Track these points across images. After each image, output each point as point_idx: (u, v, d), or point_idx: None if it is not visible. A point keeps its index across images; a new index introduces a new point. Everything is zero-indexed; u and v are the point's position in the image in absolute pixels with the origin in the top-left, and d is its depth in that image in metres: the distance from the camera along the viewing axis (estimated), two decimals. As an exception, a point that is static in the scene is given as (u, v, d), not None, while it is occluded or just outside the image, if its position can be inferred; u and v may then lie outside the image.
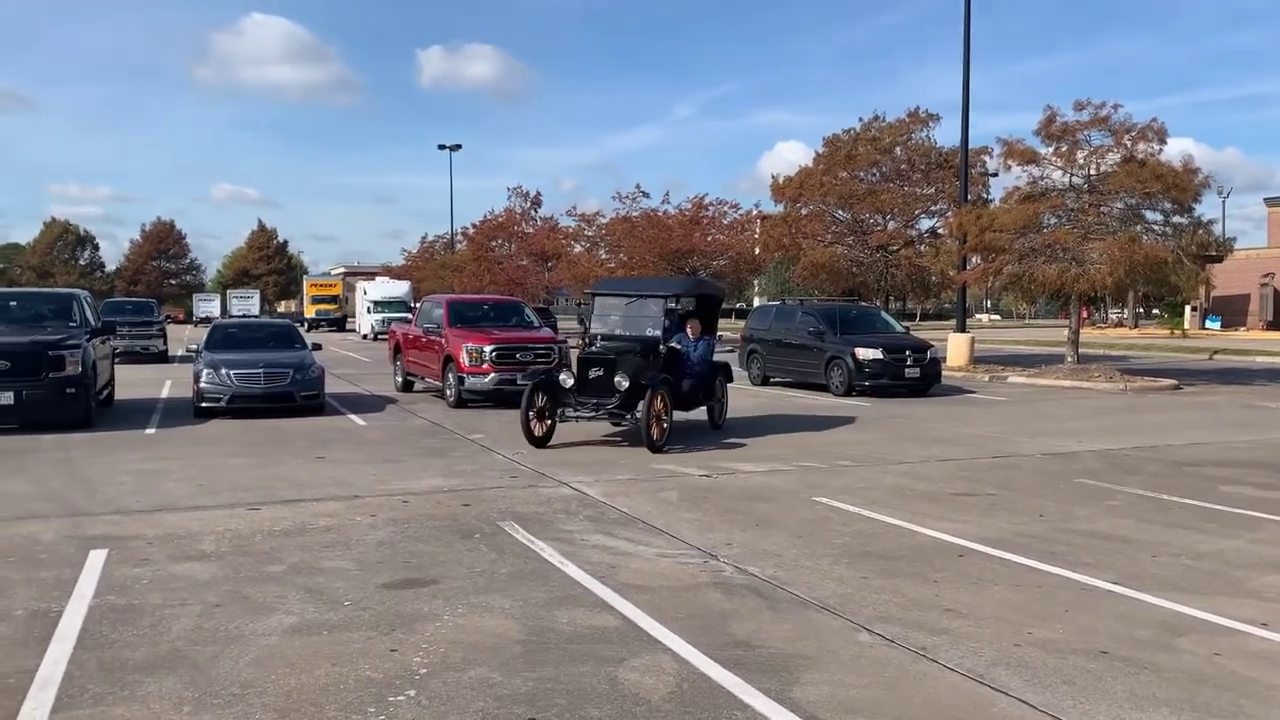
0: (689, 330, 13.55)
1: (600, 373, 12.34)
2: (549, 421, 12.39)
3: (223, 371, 15.68)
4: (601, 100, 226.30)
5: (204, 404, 15.51)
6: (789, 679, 4.79)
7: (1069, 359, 23.79)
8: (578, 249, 47.70)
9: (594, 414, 12.33)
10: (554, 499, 9.17)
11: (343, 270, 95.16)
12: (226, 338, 17.86)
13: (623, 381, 12.05)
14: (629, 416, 12.17)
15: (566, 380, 12.32)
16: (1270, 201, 53.45)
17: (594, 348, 12.98)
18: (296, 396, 15.86)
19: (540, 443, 12.23)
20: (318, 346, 18.04)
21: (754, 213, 40.09)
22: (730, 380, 14.75)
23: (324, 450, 12.18)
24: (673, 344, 13.16)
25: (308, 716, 4.33)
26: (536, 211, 52.73)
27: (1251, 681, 4.80)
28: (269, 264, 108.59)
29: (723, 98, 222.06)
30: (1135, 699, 4.57)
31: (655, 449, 11.73)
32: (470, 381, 16.70)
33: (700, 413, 14.19)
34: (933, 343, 21.22)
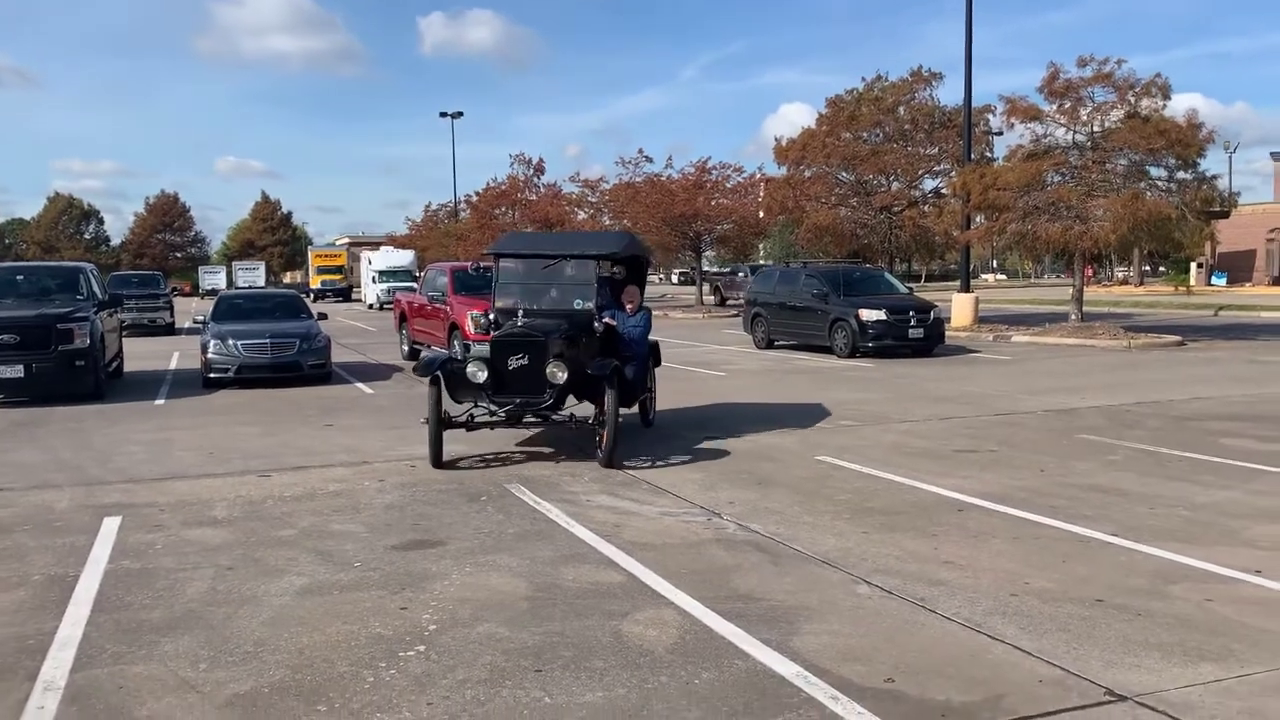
0: (626, 302, 10.67)
1: (524, 360, 8.91)
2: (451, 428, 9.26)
3: (230, 342, 15.80)
4: (605, 64, 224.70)
5: (212, 374, 15.64)
6: (789, 629, 4.91)
7: (1073, 317, 23.79)
8: (581, 216, 47.61)
9: (517, 416, 9.16)
10: (560, 462, 9.28)
11: (347, 240, 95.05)
12: (233, 309, 17.96)
13: (559, 373, 8.85)
14: (568, 419, 9.27)
15: (478, 373, 8.86)
16: (1277, 156, 53.08)
17: (514, 327, 9.27)
18: (304, 366, 15.99)
19: (435, 463, 9.05)
20: (323, 316, 18.13)
21: (758, 176, 39.95)
22: (659, 364, 11.67)
23: (332, 418, 12.30)
24: (606, 319, 10.15)
25: (320, 671, 4.45)
26: (540, 179, 52.62)
27: (1242, 625, 4.90)
28: (274, 235, 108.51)
29: (727, 59, 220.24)
30: (1127, 644, 4.68)
31: (612, 463, 8.88)
32: (476, 349, 16.72)
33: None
34: (936, 303, 21.25)
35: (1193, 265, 50.44)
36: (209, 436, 11.04)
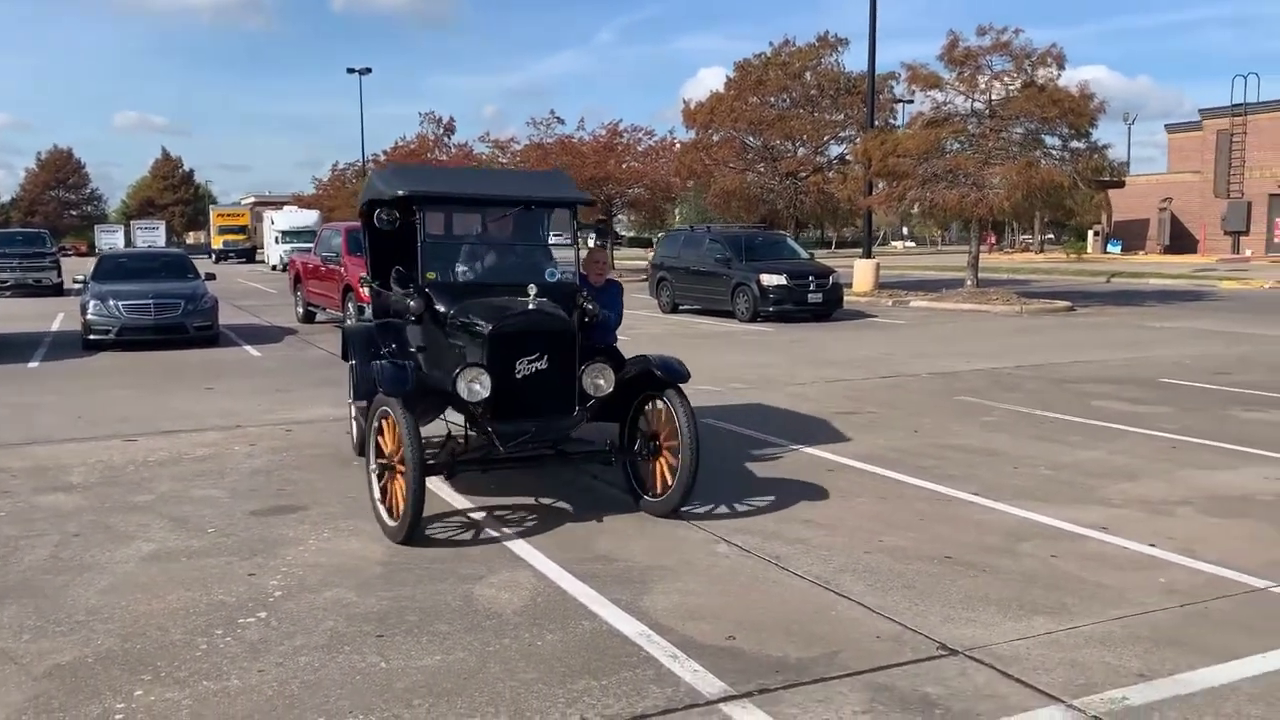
0: (591, 269, 7.28)
1: (543, 364, 5.87)
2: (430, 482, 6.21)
3: (110, 303, 15.24)
4: (522, 23, 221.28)
5: (92, 336, 15.09)
6: (641, 590, 4.91)
7: (969, 283, 24.32)
8: (491, 177, 46.90)
9: (540, 451, 6.24)
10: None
11: (253, 200, 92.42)
12: (116, 268, 17.33)
13: (601, 380, 5.99)
14: (607, 449, 6.37)
15: (479, 388, 5.65)
16: (1171, 128, 54.77)
17: (522, 310, 5.93)
18: (189, 328, 15.52)
19: (413, 534, 5.60)
20: (211, 276, 17.58)
21: (669, 139, 39.86)
22: None
23: (214, 381, 11.96)
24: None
25: (151, 640, 4.31)
26: (450, 138, 51.72)
27: (1080, 580, 5.05)
28: (175, 194, 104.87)
29: (645, 22, 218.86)
30: (969, 600, 4.79)
31: (677, 511, 6.08)
32: (370, 311, 16.43)
33: None
34: (835, 269, 21.51)
35: (1089, 233, 51.93)
36: (81, 400, 10.64)
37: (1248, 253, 43.53)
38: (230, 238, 64.07)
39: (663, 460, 6.12)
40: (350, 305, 16.87)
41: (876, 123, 26.29)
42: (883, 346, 15.44)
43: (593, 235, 7.72)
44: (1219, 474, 7.22)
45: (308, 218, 53.81)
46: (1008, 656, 4.13)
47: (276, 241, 49.68)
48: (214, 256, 60.40)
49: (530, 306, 5.90)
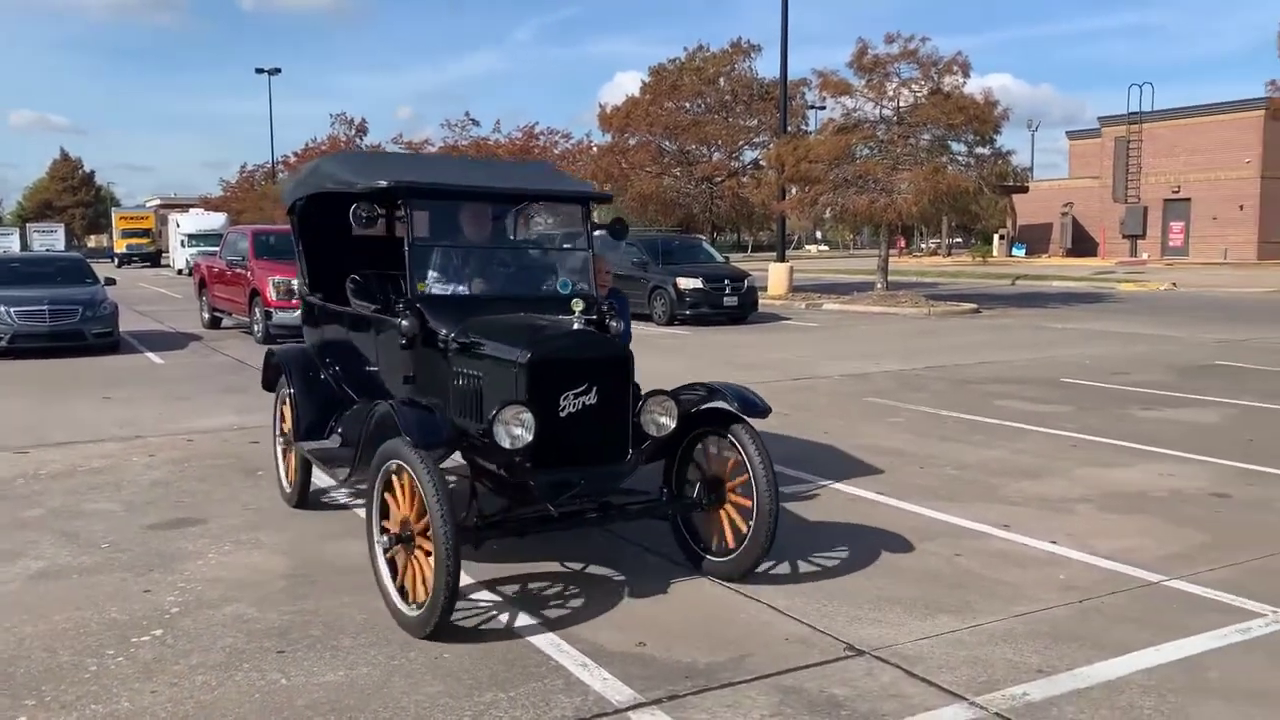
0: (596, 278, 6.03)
1: (592, 398, 4.75)
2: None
3: (2, 309, 14.62)
4: (438, 22, 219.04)
5: (-18, 344, 14.45)
6: (551, 599, 4.87)
7: (879, 286, 24.79)
8: (405, 179, 46.35)
9: (584, 506, 4.89)
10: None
11: (158, 202, 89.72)
12: (9, 273, 16.63)
13: (665, 418, 4.95)
14: (659, 500, 5.29)
15: (523, 431, 4.49)
16: (1072, 135, 56.60)
17: (548, 339, 4.84)
18: (87, 335, 14.98)
19: (443, 624, 4.34)
20: (111, 281, 17.00)
21: (586, 143, 39.85)
22: None
23: (113, 390, 11.56)
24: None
25: (38, 663, 4.13)
26: (362, 139, 50.92)
27: (983, 578, 5.15)
28: (75, 196, 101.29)
29: (562, 23, 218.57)
30: (876, 600, 4.85)
31: (750, 573, 5.03)
32: (279, 316, 16.10)
33: None
34: (751, 272, 21.74)
35: (995, 237, 53.36)
36: (-33, 411, 10.18)
37: (1145, 256, 45.21)
38: (134, 241, 62.01)
39: (728, 511, 5.02)
40: (257, 310, 16.49)
41: (789, 129, 26.67)
42: (796, 349, 15.63)
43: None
44: (1116, 471, 7.45)
45: (214, 221, 52.42)
46: (913, 656, 4.19)
47: (182, 245, 48.28)
48: (117, 261, 58.50)
49: (575, 326, 4.80)
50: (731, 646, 4.30)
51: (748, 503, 4.87)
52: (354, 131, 50.63)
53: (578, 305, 4.89)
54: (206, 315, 19.36)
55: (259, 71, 59.33)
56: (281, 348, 6.74)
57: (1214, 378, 12.10)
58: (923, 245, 64.22)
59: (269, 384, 6.85)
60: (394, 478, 4.47)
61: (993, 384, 11.77)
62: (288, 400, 6.40)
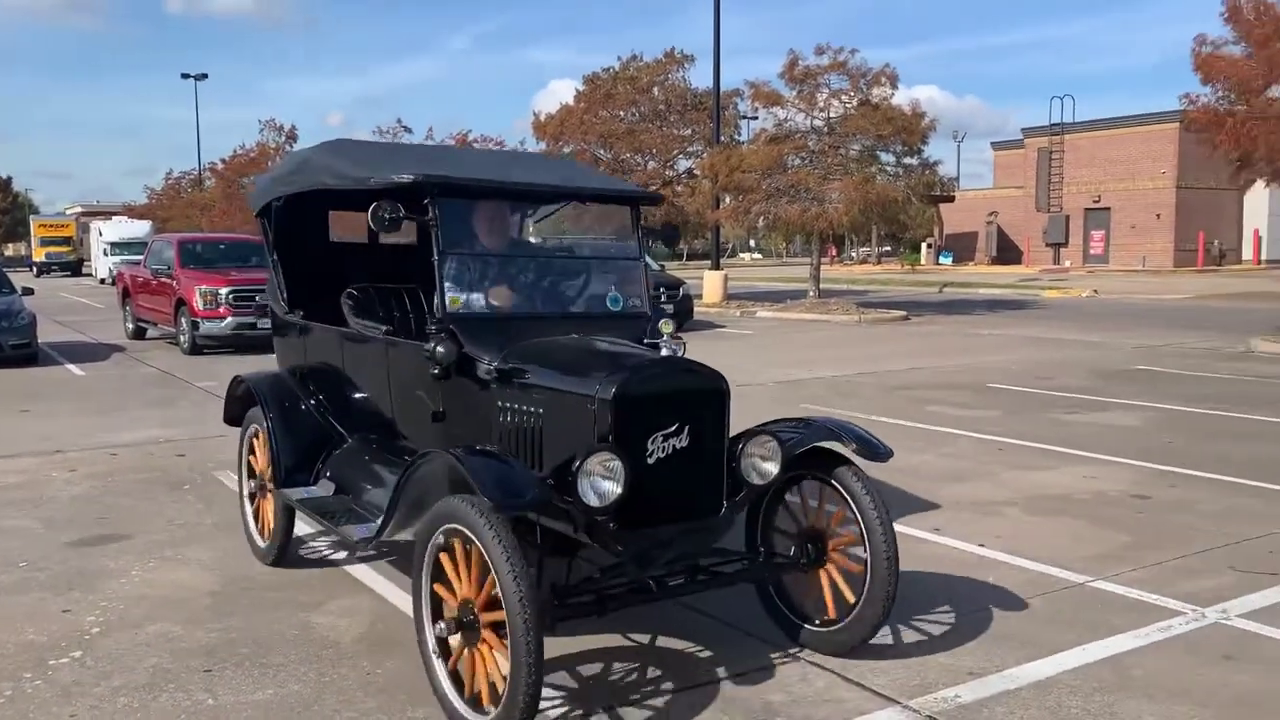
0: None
1: (683, 440, 3.83)
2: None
3: (-89, 321, 14.11)
4: (371, 28, 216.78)
5: (-110, 357, 13.92)
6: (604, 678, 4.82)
7: (811, 294, 25.07)
8: (337, 187, 45.77)
9: (675, 582, 4.06)
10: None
11: (80, 210, 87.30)
12: (-82, 283, 16.04)
13: (767, 463, 4.06)
14: (752, 562, 4.40)
15: (613, 485, 3.60)
16: (996, 146, 57.89)
17: (633, 369, 3.85)
18: (3, 346, 14.50)
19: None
20: (29, 291, 16.49)
21: (520, 151, 39.69)
22: None
23: (31, 403, 11.21)
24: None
25: (-50, 688, 3.98)
26: (292, 146, 50.17)
27: (915, 581, 5.20)
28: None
29: (498, 31, 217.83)
30: (810, 605, 4.88)
31: (864, 644, 4.29)
32: (205, 326, 15.79)
33: None
34: (685, 280, 21.85)
35: (923, 246, 54.33)
36: (-126, 427, 9.78)
37: (1067, 264, 46.36)
38: (54, 249, 60.24)
39: (830, 572, 4.22)
40: (183, 320, 16.12)
41: (722, 138, 26.88)
42: (730, 357, 15.71)
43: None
44: (1042, 474, 7.62)
45: (139, 229, 51.13)
46: (847, 660, 4.23)
47: (105, 254, 47.09)
48: (35, 270, 56.78)
49: (664, 353, 4.01)
50: (671, 655, 4.29)
51: (855, 566, 4.12)
52: (284, 139, 49.85)
53: (667, 326, 4.16)
54: (130, 326, 18.88)
55: (185, 76, 58.12)
56: (252, 374, 5.72)
57: (1134, 382, 12.45)
58: (854, 254, 65.12)
59: (234, 417, 5.84)
60: (455, 543, 3.54)
61: (923, 389, 11.96)
62: (261, 436, 5.41)
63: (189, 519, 6.44)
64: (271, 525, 5.37)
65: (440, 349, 4.23)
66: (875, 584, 4.05)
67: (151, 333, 18.43)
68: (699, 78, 31.58)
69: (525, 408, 4.09)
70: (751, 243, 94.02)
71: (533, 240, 5.29)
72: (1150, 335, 18.29)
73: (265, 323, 15.89)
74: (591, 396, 3.75)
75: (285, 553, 5.44)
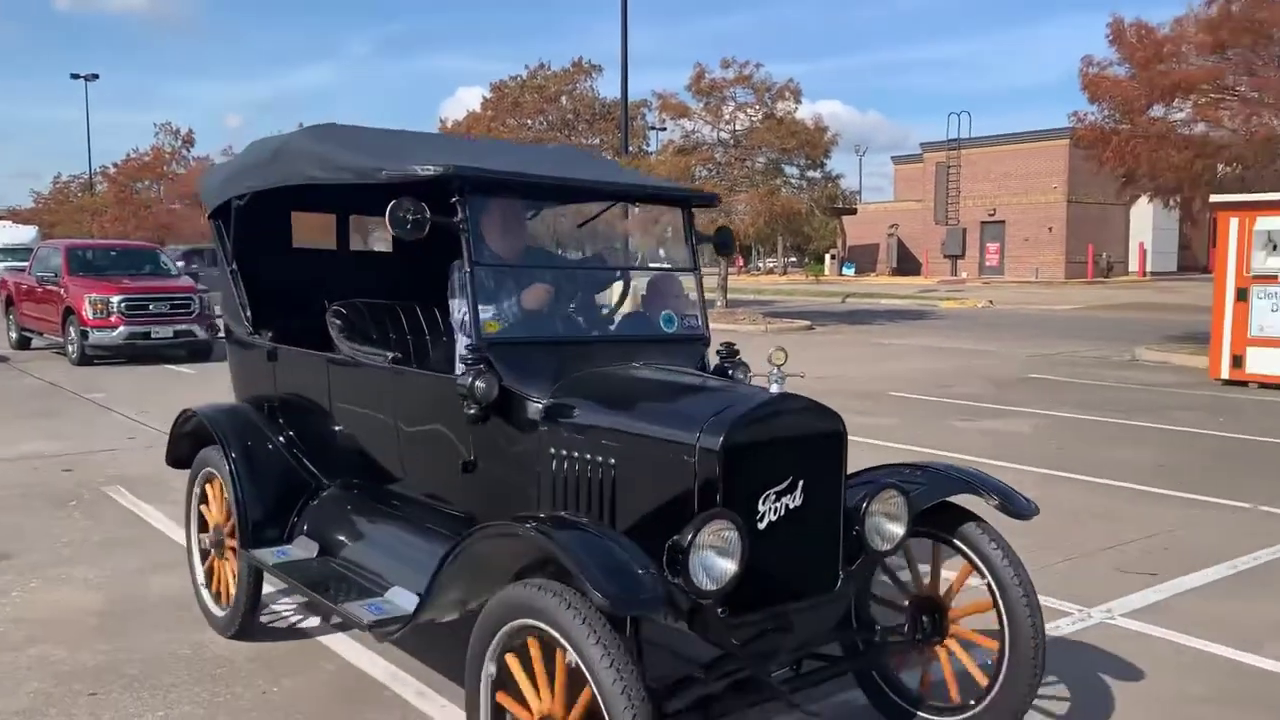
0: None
1: (797, 499, 3.07)
2: None
3: None
4: (272, 30, 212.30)
5: None
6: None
7: (718, 304, 25.34)
8: (236, 193, 44.71)
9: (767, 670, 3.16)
10: (174, 458, 8.53)
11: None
12: None
13: (892, 524, 3.34)
14: (875, 643, 3.61)
15: (728, 563, 2.81)
16: (897, 160, 59.36)
17: (736, 410, 3.04)
18: (-126, 357, 13.77)
19: None
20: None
21: (425, 159, 39.20)
22: None
23: (-97, 417, 10.66)
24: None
25: None
26: (189, 151, 48.83)
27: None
28: None
29: (402, 36, 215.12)
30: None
31: None
32: (95, 336, 15.24)
33: None
34: (593, 289, 21.87)
35: (827, 257, 55.39)
36: None
37: (964, 275, 47.75)
38: (-71, 256, 57.42)
39: (953, 646, 3.56)
40: (72, 329, 15.53)
41: (631, 149, 26.97)
42: (638, 366, 15.78)
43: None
44: (938, 481, 7.81)
45: (24, 234, 48.84)
46: (749, 667, 4.26)
47: (-14, 260, 45.00)
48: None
49: (774, 389, 3.22)
50: (572, 666, 4.27)
51: (987, 641, 3.46)
52: (180, 143, 48.50)
53: (778, 358, 3.30)
54: (14, 335, 18.14)
55: (75, 77, 55.93)
56: (206, 407, 4.82)
57: (1027, 389, 12.88)
58: (760, 264, 66.02)
59: (181, 458, 5.00)
60: (526, 647, 2.82)
61: (825, 398, 12.02)
62: (218, 483, 4.59)
63: (75, 537, 6.20)
64: (233, 590, 4.46)
65: (480, 383, 3.40)
66: (1017, 664, 3.36)
67: (37, 342, 17.72)
68: (607, 88, 31.62)
69: (588, 457, 3.27)
70: (660, 253, 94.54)
71: (555, 249, 4.72)
72: (1042, 344, 18.94)
73: (161, 332, 15.63)
74: (690, 445, 2.96)
75: (252, 623, 4.52)
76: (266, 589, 4.61)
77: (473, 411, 3.43)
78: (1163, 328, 20.75)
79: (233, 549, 4.46)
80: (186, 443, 4.93)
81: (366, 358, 4.18)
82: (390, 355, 4.06)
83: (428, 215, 3.38)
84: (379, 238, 6.21)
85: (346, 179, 3.93)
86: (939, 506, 3.53)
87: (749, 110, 23.52)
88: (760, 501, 3.01)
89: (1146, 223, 46.54)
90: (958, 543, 3.51)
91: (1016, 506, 3.56)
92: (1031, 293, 37.59)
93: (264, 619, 4.68)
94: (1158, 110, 18.18)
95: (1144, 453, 8.87)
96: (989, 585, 3.44)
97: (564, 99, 31.92)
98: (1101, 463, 8.33)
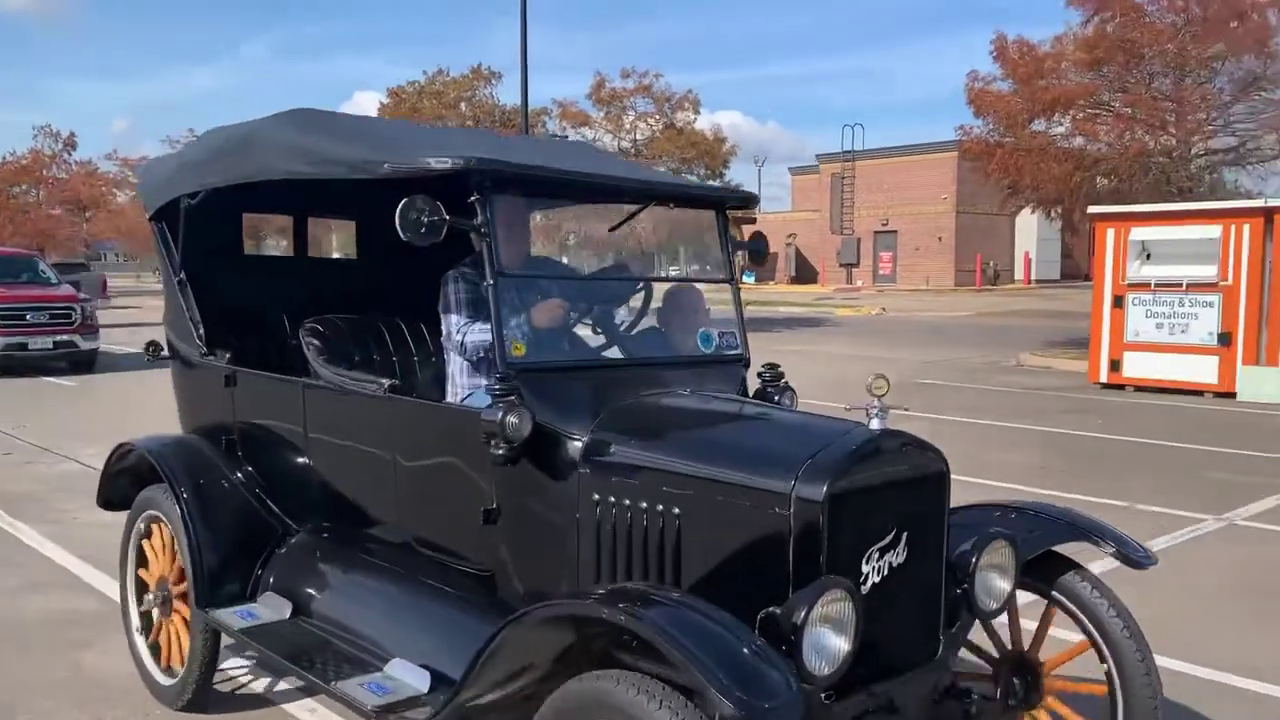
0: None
1: (900, 555, 2.63)
2: None
3: None
4: (161, 29, 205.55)
5: None
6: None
7: (621, 312, 25.49)
8: (122, 198, 43.24)
9: None
10: (54, 476, 8.20)
11: None
12: None
13: (1001, 579, 2.90)
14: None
15: (840, 643, 2.35)
16: (794, 170, 60.48)
17: (835, 454, 2.60)
18: None
19: None
20: None
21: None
22: None
23: None
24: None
25: None
26: (71, 154, 46.91)
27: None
28: None
29: (300, 39, 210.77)
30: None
31: None
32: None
33: None
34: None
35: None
36: None
37: (859, 283, 48.89)
38: None
39: (1055, 706, 3.09)
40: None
41: (530, 156, 26.92)
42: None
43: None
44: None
45: (-111, 240, 46.57)
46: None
47: None
48: None
49: (876, 425, 2.78)
50: (469, 677, 4.24)
51: (1095, 687, 3.02)
52: (61, 146, 46.54)
53: (880, 388, 2.84)
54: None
55: (-57, 75, 53.38)
56: (149, 440, 4.14)
57: (919, 395, 13.23)
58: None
59: (118, 499, 4.33)
60: None
61: (725, 405, 12.30)
62: (164, 530, 3.97)
63: (-57, 557, 5.91)
64: (184, 656, 3.84)
65: (512, 418, 2.81)
66: None
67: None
68: (507, 94, 31.49)
69: (643, 505, 2.77)
70: (564, 260, 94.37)
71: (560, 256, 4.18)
72: (933, 351, 19.50)
73: (39, 343, 14.97)
74: (783, 494, 2.47)
75: (207, 693, 3.90)
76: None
77: (501, 452, 2.85)
78: (1046, 334, 21.56)
79: (183, 607, 3.85)
80: (123, 481, 4.27)
81: (356, 385, 3.53)
82: (386, 383, 3.41)
83: (445, 216, 2.86)
84: (342, 245, 5.57)
85: (337, 174, 3.40)
86: (1046, 555, 3.09)
87: (649, 120, 23.71)
88: (864, 561, 2.55)
89: (1031, 233, 48.32)
90: (1056, 594, 3.04)
91: (1135, 556, 3.09)
92: (923, 300, 38.67)
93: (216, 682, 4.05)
94: (1039, 124, 18.93)
95: (1027, 455, 9.21)
96: (1095, 643, 2.99)
97: (463, 105, 31.71)
98: (985, 465, 8.60)
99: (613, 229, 3.81)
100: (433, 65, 42.00)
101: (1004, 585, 2.87)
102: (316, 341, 3.83)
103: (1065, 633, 3.19)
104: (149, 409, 7.70)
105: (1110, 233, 14.14)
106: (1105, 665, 2.94)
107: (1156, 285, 13.64)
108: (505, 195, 3.09)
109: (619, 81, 23.64)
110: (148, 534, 4.07)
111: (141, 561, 4.12)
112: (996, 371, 16.30)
